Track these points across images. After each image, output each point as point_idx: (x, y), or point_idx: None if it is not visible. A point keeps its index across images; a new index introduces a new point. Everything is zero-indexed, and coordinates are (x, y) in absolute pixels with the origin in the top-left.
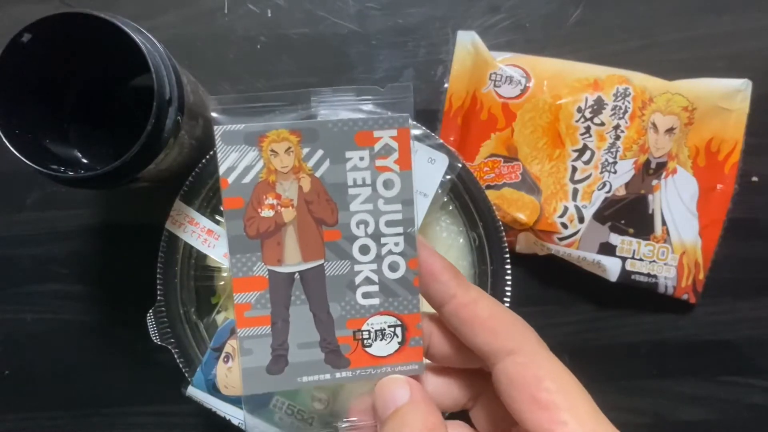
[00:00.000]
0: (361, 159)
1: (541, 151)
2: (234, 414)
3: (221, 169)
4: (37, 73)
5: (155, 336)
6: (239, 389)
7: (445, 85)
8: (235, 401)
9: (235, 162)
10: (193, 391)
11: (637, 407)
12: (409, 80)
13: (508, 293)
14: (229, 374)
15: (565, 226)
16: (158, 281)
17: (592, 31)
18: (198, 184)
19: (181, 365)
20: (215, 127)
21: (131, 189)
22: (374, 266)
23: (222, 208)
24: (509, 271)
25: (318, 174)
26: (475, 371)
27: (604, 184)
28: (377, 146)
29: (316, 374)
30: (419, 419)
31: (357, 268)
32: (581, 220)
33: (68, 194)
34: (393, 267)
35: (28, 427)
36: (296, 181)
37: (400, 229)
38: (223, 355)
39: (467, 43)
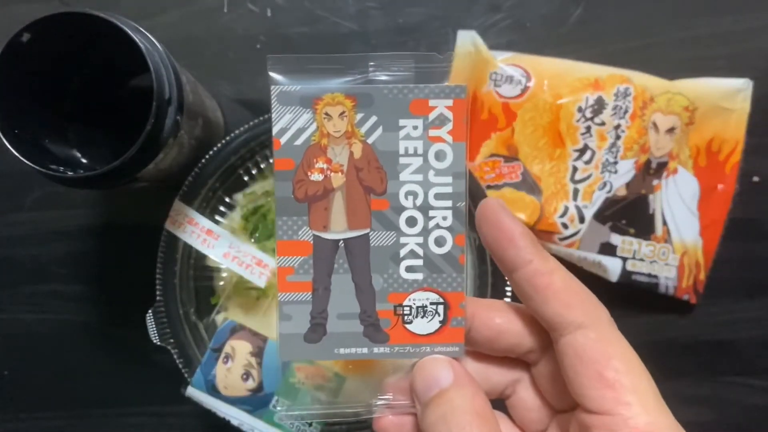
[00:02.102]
0: (415, 128)
1: (541, 150)
2: (233, 414)
3: (275, 130)
4: (37, 73)
5: (155, 336)
6: (239, 389)
7: None
8: (234, 402)
9: (288, 123)
10: (193, 392)
11: None
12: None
13: (509, 293)
14: (228, 375)
15: (565, 226)
16: (157, 281)
17: (592, 31)
18: (197, 184)
19: (180, 365)
20: (272, 87)
21: (131, 189)
22: (420, 239)
23: (273, 169)
24: None
25: (370, 141)
26: (513, 359)
27: (605, 184)
28: (432, 116)
29: (353, 347)
30: (467, 402)
31: (403, 240)
32: (582, 220)
33: (68, 194)
34: (439, 242)
35: (27, 427)
36: (348, 146)
37: (449, 203)
38: (222, 355)
39: (468, 42)
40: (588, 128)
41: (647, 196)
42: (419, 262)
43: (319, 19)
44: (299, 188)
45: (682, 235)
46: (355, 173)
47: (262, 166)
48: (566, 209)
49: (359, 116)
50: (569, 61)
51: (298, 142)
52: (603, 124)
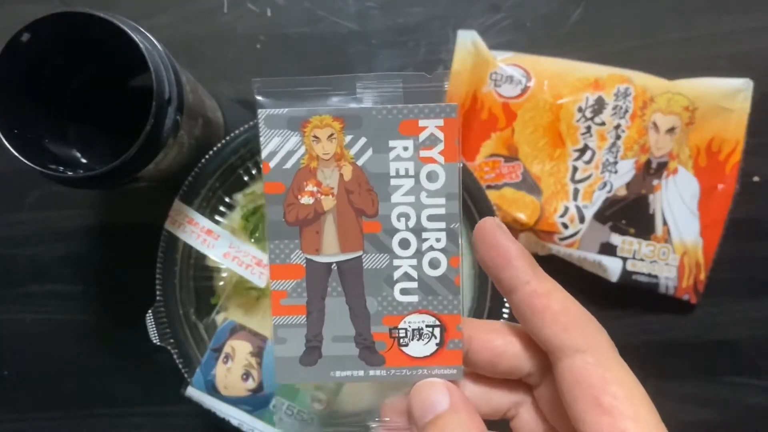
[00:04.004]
0: (405, 149)
1: (541, 150)
2: (233, 414)
3: (263, 153)
4: (36, 73)
5: (154, 336)
6: (238, 389)
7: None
8: (234, 402)
9: (277, 146)
10: (193, 392)
11: None
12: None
13: None
14: (228, 375)
15: (565, 226)
16: (157, 281)
17: (592, 31)
18: (197, 184)
19: (180, 366)
20: (259, 111)
21: (130, 189)
22: (414, 262)
23: (263, 192)
24: None
25: (360, 162)
26: (515, 380)
27: (605, 184)
28: (422, 136)
29: (349, 370)
30: (463, 427)
31: (396, 262)
32: (582, 220)
33: (68, 194)
34: (434, 264)
35: (26, 427)
36: (337, 168)
37: (442, 224)
38: (222, 355)
39: (468, 42)
40: (588, 128)
41: (647, 196)
42: (414, 284)
43: (319, 19)
44: (290, 212)
45: (682, 235)
46: (346, 196)
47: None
48: (566, 209)
49: (348, 138)
50: (569, 61)
51: (288, 165)
52: (603, 124)
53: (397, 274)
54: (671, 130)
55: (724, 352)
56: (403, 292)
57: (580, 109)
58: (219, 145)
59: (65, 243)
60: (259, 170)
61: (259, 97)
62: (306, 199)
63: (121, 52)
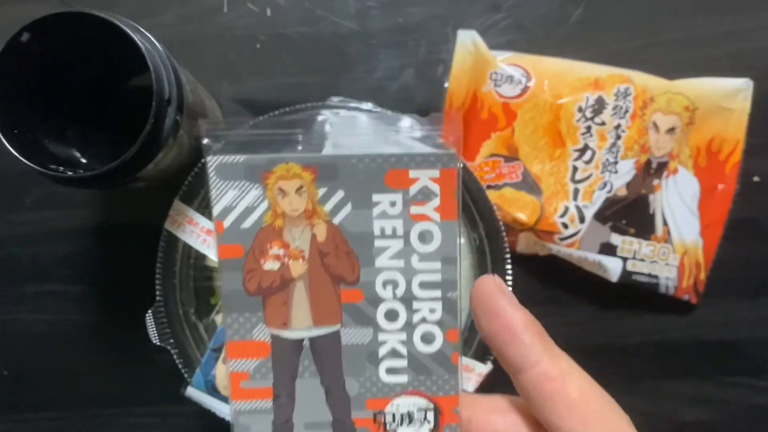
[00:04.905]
0: (393, 204)
1: (541, 150)
2: None
3: (215, 210)
4: (36, 73)
5: (154, 336)
6: None
7: (446, 85)
8: None
9: (233, 201)
10: (193, 392)
11: (638, 408)
12: (413, 80)
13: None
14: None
15: (565, 226)
16: (157, 281)
17: (593, 31)
18: (197, 183)
19: (180, 366)
20: (208, 158)
21: (130, 189)
22: (403, 336)
23: (216, 258)
24: (510, 272)
25: (336, 221)
26: None
27: (605, 184)
28: (413, 189)
29: None
30: None
31: (381, 337)
32: (582, 220)
33: (67, 194)
34: (427, 338)
35: (26, 427)
36: (309, 227)
37: (437, 293)
38: (222, 355)
39: (468, 42)
40: (588, 128)
41: (647, 196)
42: (403, 362)
43: (319, 18)
44: (250, 279)
45: (682, 235)
46: (319, 259)
47: None
48: (566, 209)
49: (322, 191)
50: (569, 61)
51: (247, 224)
52: (603, 123)
53: (382, 351)
54: (671, 130)
55: (724, 352)
56: (390, 371)
57: (580, 109)
58: None
59: (65, 243)
60: None
61: (206, 141)
62: (270, 264)
63: (120, 52)
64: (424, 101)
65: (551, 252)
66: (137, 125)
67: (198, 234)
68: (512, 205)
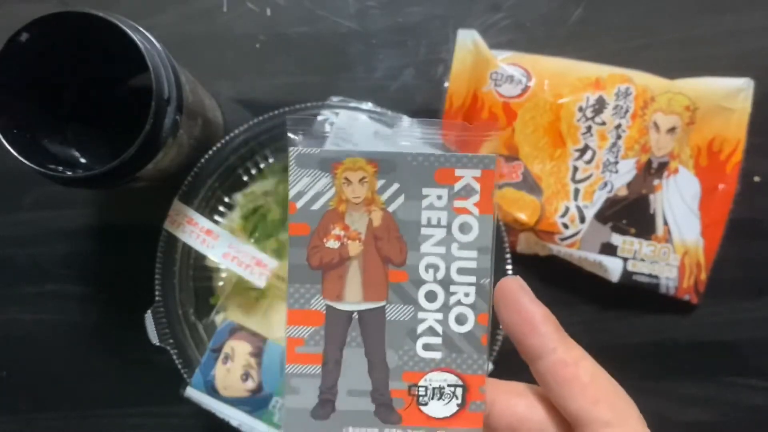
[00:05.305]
0: (439, 198)
1: (542, 150)
2: (232, 415)
3: (291, 193)
4: (35, 73)
5: (154, 337)
6: (238, 390)
7: (446, 85)
8: (233, 402)
9: (306, 187)
10: (192, 392)
11: (639, 408)
12: (411, 79)
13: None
14: (227, 375)
15: (566, 226)
16: (156, 282)
17: (593, 30)
18: (197, 183)
19: (179, 366)
20: (290, 149)
21: (130, 189)
22: (440, 316)
23: (288, 235)
24: (510, 272)
25: (391, 209)
26: None
27: (606, 184)
28: (457, 186)
29: (363, 426)
30: None
31: (421, 315)
32: (582, 220)
33: (67, 194)
34: (460, 319)
35: (26, 428)
36: (367, 213)
37: (472, 279)
38: (221, 355)
39: (468, 42)
40: (589, 128)
41: (648, 195)
42: (438, 340)
43: (319, 18)
44: (314, 255)
45: (683, 235)
46: (373, 242)
47: (262, 166)
48: (567, 209)
49: (380, 183)
50: (570, 61)
51: (315, 206)
52: (604, 123)
53: (421, 328)
54: (672, 130)
55: (724, 352)
56: (426, 347)
57: (580, 109)
58: (218, 145)
59: (65, 243)
60: (258, 170)
61: (290, 135)
62: (331, 243)
63: (120, 52)
64: (424, 101)
65: (552, 252)
66: (137, 125)
67: (197, 234)
68: (512, 205)
